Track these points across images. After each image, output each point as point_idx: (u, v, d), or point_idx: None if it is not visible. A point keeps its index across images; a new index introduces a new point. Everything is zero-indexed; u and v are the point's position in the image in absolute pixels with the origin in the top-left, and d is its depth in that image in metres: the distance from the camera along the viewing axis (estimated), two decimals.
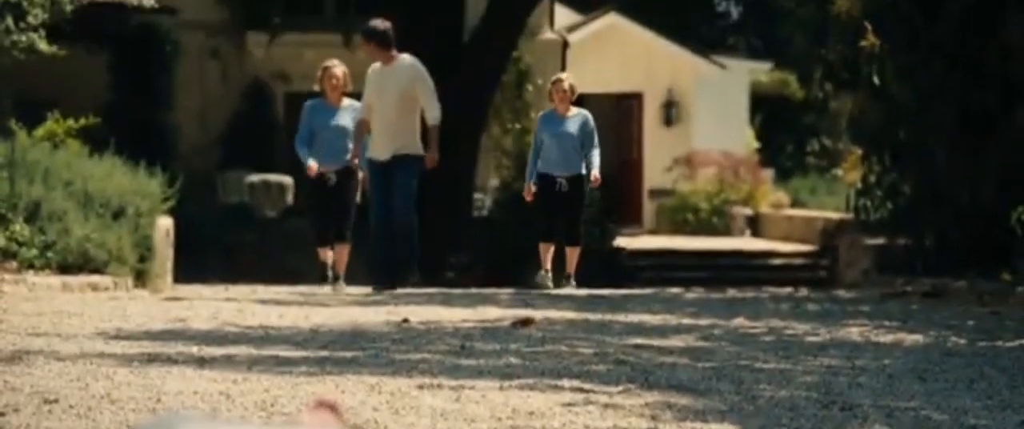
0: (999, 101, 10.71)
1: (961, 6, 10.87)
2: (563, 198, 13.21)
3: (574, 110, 13.56)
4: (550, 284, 12.92)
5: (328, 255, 12.81)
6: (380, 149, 12.50)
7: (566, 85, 13.48)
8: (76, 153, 13.08)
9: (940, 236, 11.49)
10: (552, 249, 13.30)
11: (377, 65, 12.68)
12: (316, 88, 13.10)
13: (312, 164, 12.66)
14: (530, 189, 13.33)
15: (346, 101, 12.94)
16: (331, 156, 12.65)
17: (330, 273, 12.76)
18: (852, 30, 11.35)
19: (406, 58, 12.63)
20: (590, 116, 13.61)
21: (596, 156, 13.29)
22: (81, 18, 14.47)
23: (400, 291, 11.63)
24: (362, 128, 12.59)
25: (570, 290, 12.77)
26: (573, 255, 13.30)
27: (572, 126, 13.35)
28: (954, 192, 11.16)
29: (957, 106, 10.90)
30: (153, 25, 20.82)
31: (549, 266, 13.20)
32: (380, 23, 12.69)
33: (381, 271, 12.38)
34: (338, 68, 12.98)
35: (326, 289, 12.53)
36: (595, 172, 13.19)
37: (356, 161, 12.56)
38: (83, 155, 12.89)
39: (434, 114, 12.44)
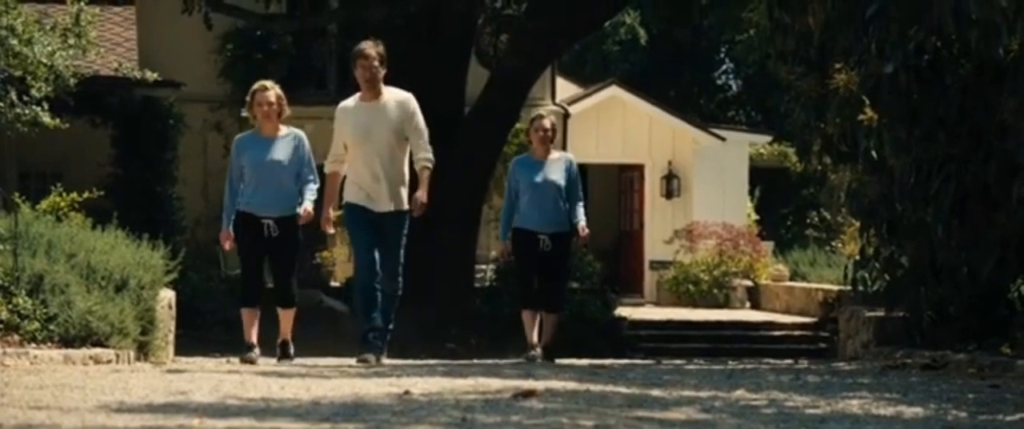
0: (998, 175, 10.77)
1: (960, 83, 10.95)
2: (546, 259, 11.65)
3: (555, 153, 11.86)
4: (540, 361, 11.52)
5: (254, 319, 10.98)
6: (370, 198, 10.62)
7: (547, 123, 11.78)
8: (79, 226, 13.12)
9: (939, 308, 11.51)
10: (538, 318, 11.89)
11: (351, 102, 10.78)
12: (244, 114, 11.04)
13: (225, 234, 10.78)
14: (507, 249, 11.86)
15: (284, 130, 10.92)
16: (268, 200, 10.71)
17: (253, 343, 10.93)
18: (851, 104, 11.42)
19: (398, 92, 10.84)
20: (574, 159, 11.91)
21: (581, 209, 11.60)
22: (84, 92, 14.57)
23: (389, 362, 11.16)
24: (334, 182, 10.68)
25: (556, 360, 11.61)
26: (553, 324, 11.91)
27: (554, 173, 11.60)
28: (953, 265, 11.19)
29: (956, 180, 10.96)
30: (156, 99, 20.94)
31: (536, 338, 11.82)
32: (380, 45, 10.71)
33: (366, 338, 10.84)
34: (271, 91, 10.93)
35: (267, 361, 10.88)
36: (582, 224, 11.48)
37: (330, 228, 10.77)
38: (86, 228, 12.94)
39: (428, 154, 10.64)
